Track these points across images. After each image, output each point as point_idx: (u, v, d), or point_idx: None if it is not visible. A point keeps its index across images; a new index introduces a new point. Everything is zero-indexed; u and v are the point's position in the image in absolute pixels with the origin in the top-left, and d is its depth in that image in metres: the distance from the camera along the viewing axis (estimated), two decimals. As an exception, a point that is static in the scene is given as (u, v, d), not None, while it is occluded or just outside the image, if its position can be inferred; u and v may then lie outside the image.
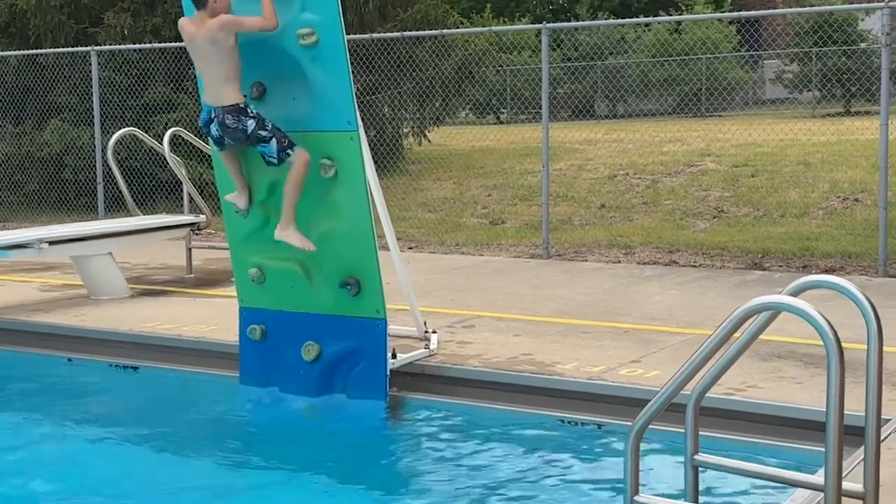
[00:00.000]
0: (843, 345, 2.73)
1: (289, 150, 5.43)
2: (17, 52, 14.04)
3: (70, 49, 13.47)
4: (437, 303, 7.49)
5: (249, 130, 5.39)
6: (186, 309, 7.62)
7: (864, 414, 3.03)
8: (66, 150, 14.03)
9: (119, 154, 9.86)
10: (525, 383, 5.57)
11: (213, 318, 7.16)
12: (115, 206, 12.49)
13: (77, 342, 7.05)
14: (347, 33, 5.45)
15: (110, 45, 13.61)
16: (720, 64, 23.09)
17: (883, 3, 8.45)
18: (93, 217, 12.39)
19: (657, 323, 6.75)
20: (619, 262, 9.52)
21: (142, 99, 14.04)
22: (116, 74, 13.94)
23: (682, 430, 3.11)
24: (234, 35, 5.35)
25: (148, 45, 12.92)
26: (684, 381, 3.01)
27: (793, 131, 14.27)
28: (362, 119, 5.53)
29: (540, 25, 10.05)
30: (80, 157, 13.85)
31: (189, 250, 9.16)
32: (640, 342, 6.24)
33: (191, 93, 13.60)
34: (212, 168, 6.44)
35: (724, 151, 14.31)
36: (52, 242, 7.76)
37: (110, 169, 9.20)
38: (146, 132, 10.64)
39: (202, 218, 8.99)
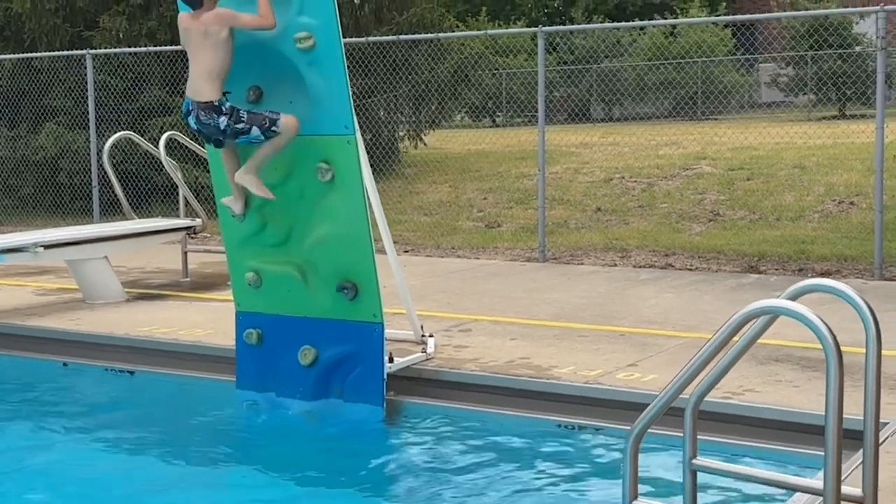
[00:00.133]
0: (841, 349, 2.72)
1: (273, 128, 5.38)
2: (12, 56, 14.01)
3: (65, 52, 13.45)
4: (434, 306, 7.49)
5: (222, 127, 5.36)
6: (182, 313, 7.61)
7: (861, 417, 3.03)
8: (61, 154, 14.01)
9: (114, 157, 9.84)
10: (522, 387, 5.56)
11: (209, 322, 7.14)
12: (111, 210, 12.47)
13: (72, 346, 7.03)
14: (343, 37, 5.44)
15: (105, 48, 13.59)
16: (716, 67, 23.12)
17: (878, 7, 8.46)
18: (88, 221, 12.37)
19: (654, 326, 6.75)
20: (615, 265, 9.52)
21: (137, 102, 14.02)
22: (112, 78, 13.92)
23: (680, 434, 3.10)
24: (229, 30, 5.32)
25: (143, 49, 12.91)
26: (683, 385, 3.00)
27: (788, 135, 14.29)
28: (358, 122, 5.52)
29: (536, 29, 10.05)
30: (75, 161, 13.83)
31: (185, 254, 9.14)
32: (636, 346, 6.23)
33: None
34: (207, 171, 6.43)
35: (720, 155, 14.33)
36: (47, 246, 7.74)
37: (105, 172, 9.19)
38: (141, 135, 10.62)
39: (198, 221, 8.98)
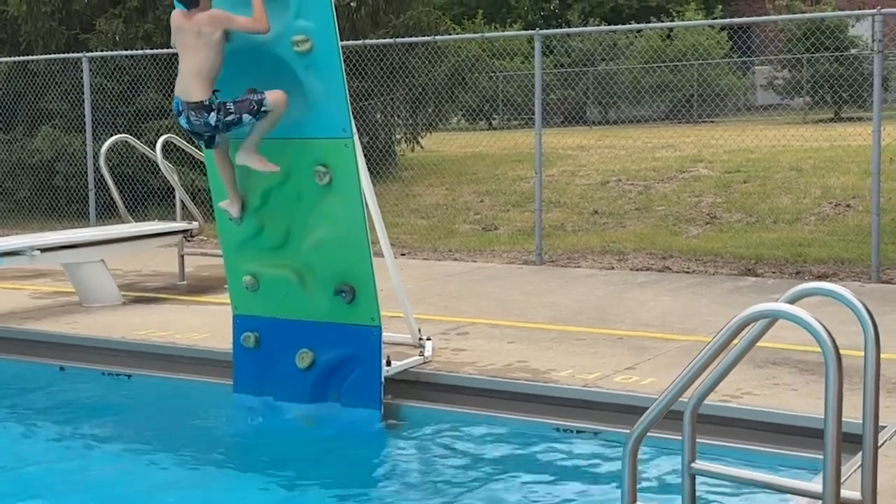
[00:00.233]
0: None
1: (262, 108, 5.37)
2: (8, 59, 14.00)
3: (61, 55, 13.43)
4: (431, 309, 7.48)
5: (213, 123, 5.35)
6: (179, 316, 7.60)
7: (860, 421, 3.03)
8: (57, 157, 13.99)
9: (110, 160, 9.81)
10: (520, 390, 5.56)
11: (206, 326, 7.13)
12: (107, 213, 12.45)
13: (69, 350, 7.01)
14: (339, 40, 5.44)
15: (102, 51, 13.58)
16: (712, 70, 23.15)
17: (875, 11, 8.47)
18: (84, 224, 12.35)
19: (651, 329, 6.75)
20: (613, 268, 9.52)
21: (133, 105, 14.01)
22: (108, 81, 13.90)
23: (678, 438, 3.10)
24: (222, 31, 5.31)
25: (140, 52, 12.90)
26: (682, 389, 3.00)
27: (785, 137, 14.31)
28: (355, 125, 5.52)
29: (533, 32, 10.06)
30: (71, 164, 13.81)
31: (181, 257, 9.13)
32: (634, 349, 6.23)
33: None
34: (204, 174, 6.43)
35: (717, 157, 14.34)
36: (43, 249, 7.73)
37: (102, 175, 9.17)
38: (138, 138, 10.61)
39: (195, 225, 8.97)
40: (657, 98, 23.09)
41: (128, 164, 13.02)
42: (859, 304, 2.98)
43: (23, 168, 14.46)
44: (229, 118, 5.34)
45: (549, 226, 11.10)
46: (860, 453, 3.08)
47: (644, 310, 7.43)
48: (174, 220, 9.35)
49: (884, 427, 4.42)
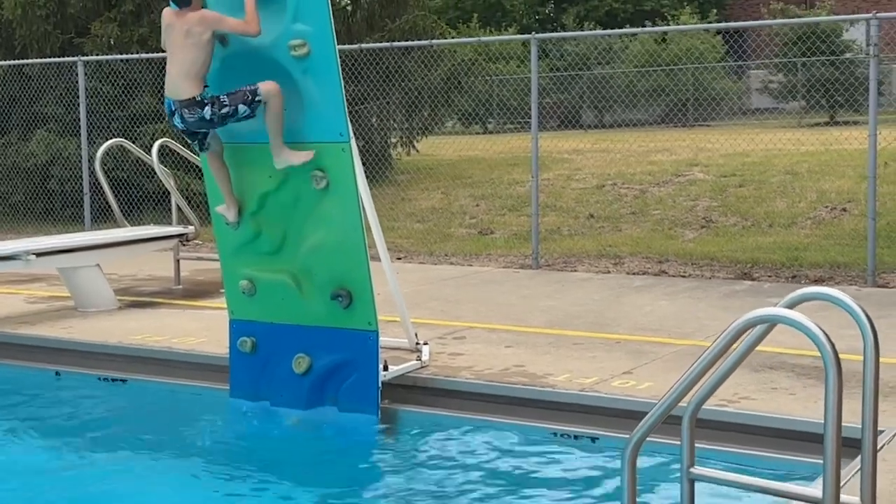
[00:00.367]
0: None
1: (256, 98, 5.36)
2: (3, 63, 13.97)
3: (56, 59, 13.40)
4: (428, 314, 7.47)
5: (208, 117, 5.35)
6: (175, 321, 7.58)
7: (857, 425, 3.03)
8: (52, 161, 13.96)
9: (105, 164, 9.79)
10: (517, 395, 5.55)
11: (202, 330, 7.12)
12: (102, 217, 12.43)
13: (65, 355, 6.99)
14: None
15: (97, 55, 13.56)
16: (707, 74, 23.17)
17: (870, 15, 8.49)
18: (79, 228, 12.32)
19: (648, 334, 6.75)
20: (609, 272, 9.52)
21: (128, 109, 13.98)
22: (103, 85, 13.88)
23: (676, 442, 3.09)
24: (211, 32, 5.31)
25: (135, 56, 12.88)
26: (682, 394, 3.00)
27: (780, 141, 14.32)
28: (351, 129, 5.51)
29: (529, 36, 10.07)
30: (66, 168, 13.78)
31: (177, 261, 9.11)
32: (631, 353, 6.23)
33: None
34: (199, 178, 6.42)
35: (712, 161, 14.35)
36: (39, 254, 7.71)
37: (97, 179, 9.15)
38: (132, 142, 10.59)
39: (190, 229, 8.95)
40: (652, 102, 23.11)
41: (123, 168, 12.99)
42: (859, 309, 2.98)
43: (17, 172, 14.43)
44: (224, 110, 5.34)
45: (545, 230, 11.09)
46: (859, 457, 3.07)
47: (641, 314, 7.43)
48: (170, 224, 9.33)
49: (881, 431, 4.42)
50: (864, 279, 8.59)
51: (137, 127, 13.72)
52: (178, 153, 9.34)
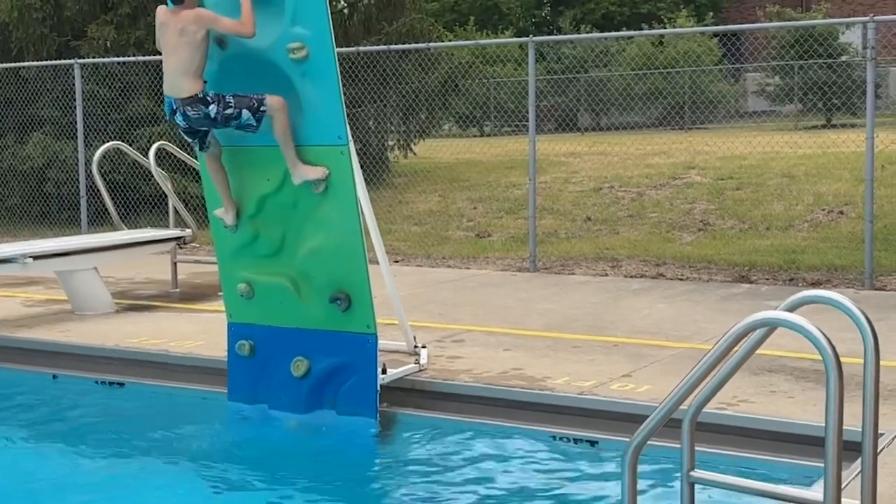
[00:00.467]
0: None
1: (262, 108, 5.35)
2: (-1, 65, 13.97)
3: (53, 62, 13.39)
4: (426, 317, 7.46)
5: (213, 115, 5.32)
6: (172, 324, 7.57)
7: (858, 428, 3.03)
8: (48, 164, 13.94)
9: (102, 167, 9.77)
10: (516, 398, 5.54)
11: (200, 333, 7.11)
12: (98, 220, 12.41)
13: (62, 358, 6.98)
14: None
15: (93, 57, 13.55)
16: (703, 77, 23.20)
17: (868, 18, 8.50)
18: (76, 231, 12.30)
19: (647, 337, 6.75)
20: (607, 275, 9.52)
21: (125, 112, 13.97)
22: (100, 87, 13.87)
23: (676, 446, 3.09)
24: (205, 31, 5.29)
25: (131, 58, 12.87)
26: (682, 398, 2.99)
27: (778, 144, 14.35)
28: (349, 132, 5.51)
29: (527, 39, 10.07)
30: (62, 171, 13.77)
31: (174, 264, 9.09)
32: (630, 356, 6.22)
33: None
34: (197, 181, 6.41)
35: (709, 164, 14.37)
36: (35, 257, 7.69)
37: (93, 182, 9.14)
38: (129, 145, 10.58)
39: (188, 232, 8.93)
40: (649, 105, 23.14)
41: (120, 171, 12.98)
42: (859, 312, 2.98)
43: (14, 175, 14.41)
44: (228, 111, 5.32)
45: (542, 232, 11.10)
46: (859, 460, 3.07)
47: (639, 317, 7.43)
48: (167, 227, 9.31)
49: (882, 434, 4.42)
50: (861, 282, 8.59)
51: (134, 130, 13.71)
52: (176, 156, 9.33)
